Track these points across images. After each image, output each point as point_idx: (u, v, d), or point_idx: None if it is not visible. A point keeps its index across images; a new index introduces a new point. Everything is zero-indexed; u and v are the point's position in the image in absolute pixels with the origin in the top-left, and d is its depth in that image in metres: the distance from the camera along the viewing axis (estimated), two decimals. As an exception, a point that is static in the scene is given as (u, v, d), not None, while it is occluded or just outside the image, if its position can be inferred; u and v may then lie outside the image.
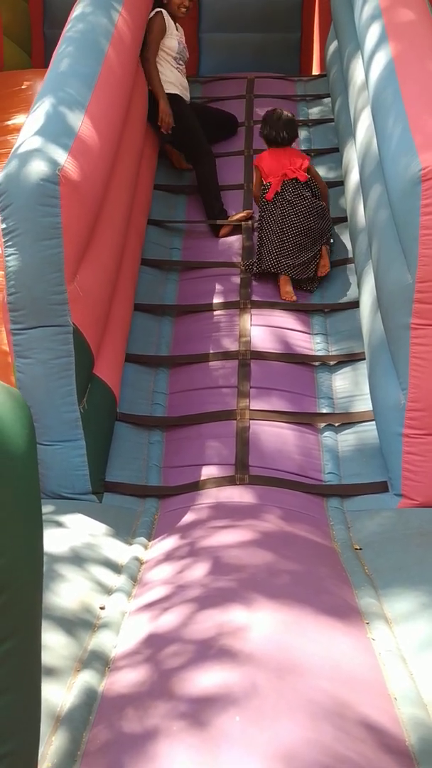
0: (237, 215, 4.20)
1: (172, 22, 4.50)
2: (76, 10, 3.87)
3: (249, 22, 6.75)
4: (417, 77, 3.09)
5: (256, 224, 4.04)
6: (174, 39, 4.50)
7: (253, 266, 3.86)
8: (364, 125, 3.58)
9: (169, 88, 4.40)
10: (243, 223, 4.15)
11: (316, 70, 6.32)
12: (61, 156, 2.75)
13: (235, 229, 4.18)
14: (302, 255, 3.77)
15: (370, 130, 3.42)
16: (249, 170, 4.29)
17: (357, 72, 3.93)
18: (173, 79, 4.45)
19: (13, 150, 2.82)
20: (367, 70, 3.51)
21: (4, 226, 2.71)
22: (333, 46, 5.07)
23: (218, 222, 4.20)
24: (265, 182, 3.97)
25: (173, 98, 4.41)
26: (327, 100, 5.19)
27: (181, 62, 4.56)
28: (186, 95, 4.54)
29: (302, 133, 4.90)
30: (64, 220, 2.71)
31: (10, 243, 2.71)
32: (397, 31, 3.41)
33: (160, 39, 4.42)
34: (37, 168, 2.69)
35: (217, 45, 6.37)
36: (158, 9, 4.45)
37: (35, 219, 2.68)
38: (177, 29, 4.54)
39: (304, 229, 3.80)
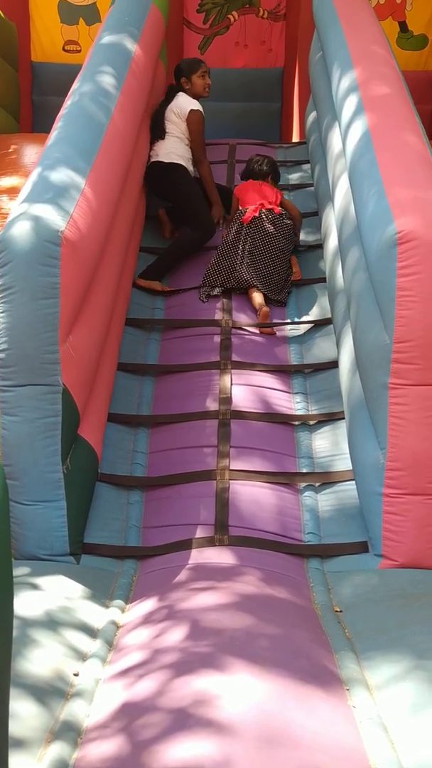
0: (159, 286, 4.25)
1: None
2: (85, 67, 3.98)
3: (232, 92, 7.00)
4: (392, 147, 3.19)
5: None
6: None
7: (214, 281, 4.10)
8: (341, 191, 3.69)
9: (178, 160, 4.53)
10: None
11: (295, 138, 6.54)
12: (63, 217, 2.79)
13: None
14: (272, 276, 4.09)
15: (347, 195, 3.52)
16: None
17: (335, 141, 4.07)
18: (182, 153, 4.57)
19: (14, 209, 2.86)
20: (345, 139, 3.63)
21: (0, 282, 2.73)
22: (312, 116, 5.26)
23: (141, 281, 4.24)
24: (241, 208, 4.30)
25: (179, 168, 4.52)
26: (306, 166, 5.35)
27: None
28: (191, 168, 4.65)
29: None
30: (63, 281, 2.74)
31: (5, 300, 2.72)
32: (373, 103, 3.55)
33: (204, 139, 4.58)
34: (39, 228, 2.72)
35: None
36: (196, 107, 4.56)
37: (34, 278, 2.70)
38: None
39: (275, 253, 4.11)
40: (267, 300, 4.08)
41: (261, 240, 4.11)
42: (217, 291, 4.16)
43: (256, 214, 4.17)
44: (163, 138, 4.57)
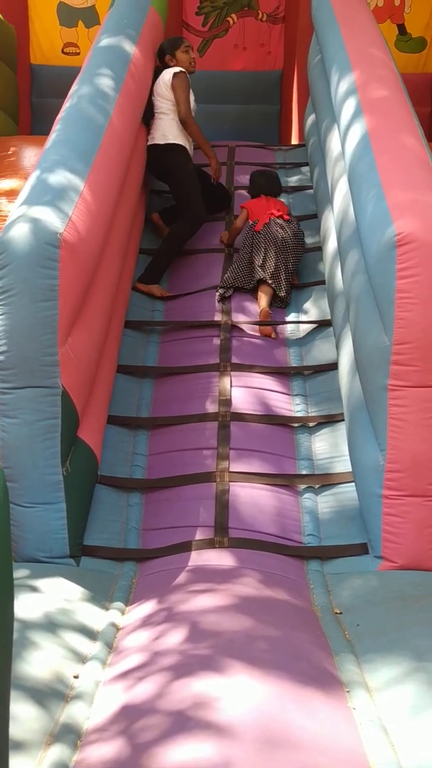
0: (159, 290, 4.27)
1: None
2: (84, 70, 3.99)
3: (231, 95, 7.00)
4: (391, 149, 3.20)
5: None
6: (192, 96, 4.64)
7: (230, 281, 4.16)
8: (341, 193, 3.69)
9: (178, 140, 4.51)
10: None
11: (294, 140, 6.54)
12: (62, 220, 2.80)
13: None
14: (282, 274, 4.15)
15: (346, 198, 3.52)
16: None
17: (334, 143, 4.07)
18: (177, 131, 4.55)
19: (12, 211, 2.86)
20: (344, 141, 3.63)
21: (0, 284, 2.73)
22: (311, 119, 5.26)
23: (141, 285, 4.25)
24: (251, 220, 4.35)
25: (181, 149, 4.50)
26: (305, 169, 5.36)
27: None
28: (191, 151, 4.64)
29: (282, 200, 5.06)
30: (62, 283, 2.74)
31: (4, 302, 2.72)
32: (372, 106, 3.55)
33: (189, 97, 4.56)
34: (38, 230, 2.73)
35: (199, 115, 6.60)
36: (179, 70, 4.57)
37: (33, 280, 2.71)
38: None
39: (288, 252, 4.17)
40: (271, 301, 4.10)
41: (274, 243, 4.17)
42: (230, 292, 4.17)
43: (267, 221, 4.25)
44: (153, 117, 4.55)
